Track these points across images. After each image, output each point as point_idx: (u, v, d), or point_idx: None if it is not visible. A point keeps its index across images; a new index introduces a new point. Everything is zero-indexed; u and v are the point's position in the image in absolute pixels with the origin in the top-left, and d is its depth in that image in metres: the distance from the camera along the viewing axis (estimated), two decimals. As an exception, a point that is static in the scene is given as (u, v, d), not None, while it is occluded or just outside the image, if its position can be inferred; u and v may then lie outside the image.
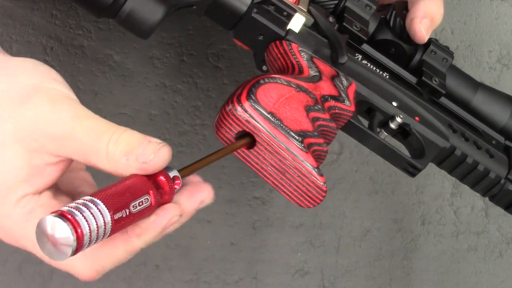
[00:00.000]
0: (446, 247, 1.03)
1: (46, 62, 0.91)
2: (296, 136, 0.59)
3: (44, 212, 0.54)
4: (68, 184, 0.59)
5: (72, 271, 0.55)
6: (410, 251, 1.02)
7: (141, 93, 0.93)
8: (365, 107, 0.69)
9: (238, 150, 0.60)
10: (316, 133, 0.61)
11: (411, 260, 1.02)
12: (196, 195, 0.56)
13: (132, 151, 0.53)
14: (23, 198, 0.54)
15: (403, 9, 0.70)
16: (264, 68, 0.69)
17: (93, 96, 0.92)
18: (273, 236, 0.99)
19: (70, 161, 0.55)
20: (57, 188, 0.57)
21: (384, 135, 0.69)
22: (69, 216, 0.47)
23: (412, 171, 0.68)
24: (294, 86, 0.61)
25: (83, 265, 0.55)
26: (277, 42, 0.66)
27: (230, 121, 0.59)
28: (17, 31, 0.90)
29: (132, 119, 0.94)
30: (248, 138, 0.59)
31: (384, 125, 0.69)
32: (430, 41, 0.71)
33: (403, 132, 0.69)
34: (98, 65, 0.92)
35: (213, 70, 0.94)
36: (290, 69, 0.65)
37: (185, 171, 0.55)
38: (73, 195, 0.58)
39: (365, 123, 0.68)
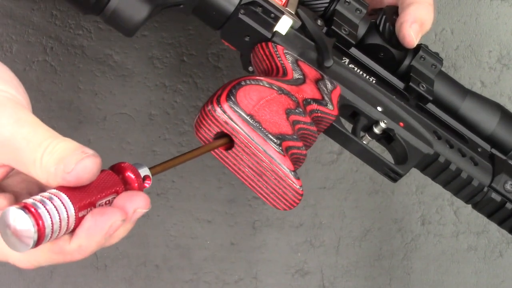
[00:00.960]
0: (446, 247, 1.03)
1: (46, 62, 0.91)
2: (274, 139, 0.59)
3: None
4: (15, 186, 0.56)
5: (9, 260, 0.54)
6: (410, 251, 1.02)
7: (141, 93, 0.93)
8: (349, 111, 0.69)
9: (216, 151, 0.60)
10: (295, 136, 0.61)
11: (411, 260, 1.02)
12: (133, 200, 0.51)
13: (62, 160, 0.50)
14: None
15: (393, 13, 0.70)
16: (250, 69, 0.69)
17: (93, 96, 0.92)
18: (273, 236, 0.99)
19: (10, 168, 0.53)
20: (2, 190, 0.54)
21: (368, 139, 0.68)
22: (32, 209, 0.47)
23: (393, 176, 0.68)
24: (276, 88, 0.62)
25: (19, 257, 0.53)
26: (263, 44, 0.66)
27: (209, 121, 0.59)
28: (17, 31, 0.90)
29: (132, 119, 0.94)
30: (226, 139, 0.60)
31: (368, 129, 0.68)
32: (419, 46, 0.71)
33: (387, 137, 0.69)
34: (98, 65, 0.92)
35: (213, 70, 0.94)
36: (274, 71, 0.65)
37: (157, 169, 0.53)
38: (21, 196, 0.55)
39: (350, 127, 0.68)
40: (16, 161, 0.51)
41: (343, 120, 0.69)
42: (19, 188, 0.55)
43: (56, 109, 0.91)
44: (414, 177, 1.01)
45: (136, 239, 0.95)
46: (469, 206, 1.03)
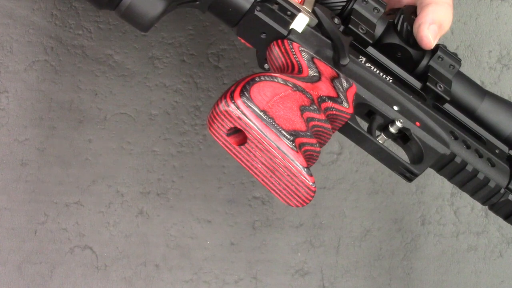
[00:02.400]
0: (446, 247, 1.03)
1: (46, 62, 0.91)
2: (287, 135, 0.59)
3: None
4: None
5: None
6: (410, 251, 1.02)
7: (141, 93, 0.93)
8: (365, 110, 0.68)
9: (229, 146, 0.60)
10: (309, 133, 0.61)
11: (411, 260, 1.02)
12: None
13: None
14: None
15: (412, 13, 0.70)
16: (266, 66, 0.69)
17: (93, 96, 0.92)
18: (273, 236, 0.99)
19: None
20: None
21: (383, 139, 0.68)
22: None
23: (408, 176, 0.68)
24: (291, 85, 0.61)
25: None
26: (279, 41, 0.66)
27: (223, 117, 0.59)
28: (17, 31, 0.90)
29: (132, 119, 0.94)
30: (239, 135, 0.60)
31: (384, 129, 0.68)
32: (437, 47, 0.70)
33: (403, 137, 0.69)
34: (98, 65, 0.92)
35: (213, 70, 0.94)
36: (290, 68, 0.65)
37: None
38: None
39: (366, 126, 0.68)
40: None
41: (358, 119, 0.68)
42: None
43: (56, 109, 0.91)
44: (414, 177, 1.01)
45: (136, 239, 0.95)
46: (469, 206, 1.03)
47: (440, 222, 1.03)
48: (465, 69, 0.74)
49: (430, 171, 1.01)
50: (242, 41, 0.68)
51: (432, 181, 1.02)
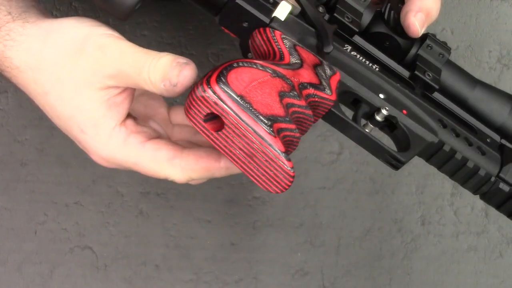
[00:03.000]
0: (446, 247, 1.03)
1: (46, 62, 0.91)
2: (265, 120, 0.59)
3: (137, 139, 0.65)
4: (143, 109, 0.70)
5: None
6: (410, 251, 1.02)
7: (141, 93, 0.93)
8: (351, 98, 0.68)
9: (206, 132, 0.60)
10: (288, 119, 0.60)
11: (411, 260, 1.02)
12: None
13: (166, 76, 0.61)
14: (112, 132, 0.64)
15: (399, 2, 0.70)
16: (250, 55, 0.68)
17: (93, 96, 0.92)
18: (273, 236, 0.98)
19: (133, 89, 0.65)
20: (135, 117, 0.67)
21: (370, 127, 0.68)
22: None
23: (395, 163, 0.67)
24: (270, 71, 0.61)
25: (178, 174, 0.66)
26: (261, 29, 0.65)
27: (199, 102, 0.59)
28: (17, 31, 0.90)
29: (132, 119, 0.94)
30: (217, 121, 0.59)
31: (370, 117, 0.68)
32: (426, 35, 0.70)
33: (389, 125, 0.68)
34: (98, 65, 0.92)
35: (213, 70, 0.94)
36: (271, 55, 0.64)
37: None
38: (149, 118, 0.69)
39: (352, 115, 0.67)
40: (134, 84, 0.63)
41: (344, 108, 0.68)
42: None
43: (56, 109, 0.91)
44: (414, 177, 1.01)
45: (136, 239, 0.95)
46: (469, 206, 1.03)
47: (440, 222, 1.03)
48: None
49: (430, 171, 1.01)
50: (226, 31, 0.68)
51: (432, 181, 1.02)
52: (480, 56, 1.01)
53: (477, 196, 0.73)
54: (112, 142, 0.64)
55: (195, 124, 0.60)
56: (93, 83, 0.63)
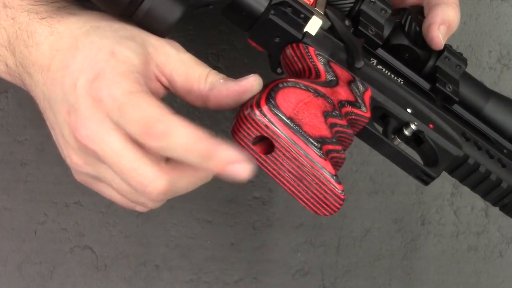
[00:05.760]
0: (446, 247, 1.03)
1: (46, 62, 0.91)
2: (315, 143, 0.58)
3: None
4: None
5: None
6: (410, 251, 1.02)
7: (141, 93, 0.93)
8: (379, 113, 0.67)
9: (255, 155, 0.58)
10: (334, 140, 0.59)
11: (411, 260, 1.02)
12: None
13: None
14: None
15: (419, 14, 0.69)
16: (279, 70, 0.67)
17: (93, 96, 0.92)
18: (273, 236, 0.98)
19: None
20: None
21: (397, 141, 0.67)
22: None
23: (425, 179, 0.66)
24: (312, 91, 0.60)
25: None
26: (294, 45, 0.65)
27: (249, 125, 0.57)
28: (17, 31, 0.90)
29: (132, 119, 0.94)
30: (265, 143, 0.58)
31: (398, 131, 0.67)
32: (444, 47, 0.70)
33: (416, 139, 0.68)
34: (98, 65, 0.92)
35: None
36: (307, 73, 0.63)
37: None
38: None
39: (379, 129, 0.67)
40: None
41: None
42: None
43: (56, 109, 0.91)
44: (414, 177, 1.01)
45: (136, 239, 0.95)
46: (469, 206, 1.03)
47: (440, 222, 1.03)
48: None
49: (430, 171, 1.01)
50: (253, 44, 0.67)
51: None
52: (480, 56, 1.01)
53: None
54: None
55: (243, 147, 0.58)
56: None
